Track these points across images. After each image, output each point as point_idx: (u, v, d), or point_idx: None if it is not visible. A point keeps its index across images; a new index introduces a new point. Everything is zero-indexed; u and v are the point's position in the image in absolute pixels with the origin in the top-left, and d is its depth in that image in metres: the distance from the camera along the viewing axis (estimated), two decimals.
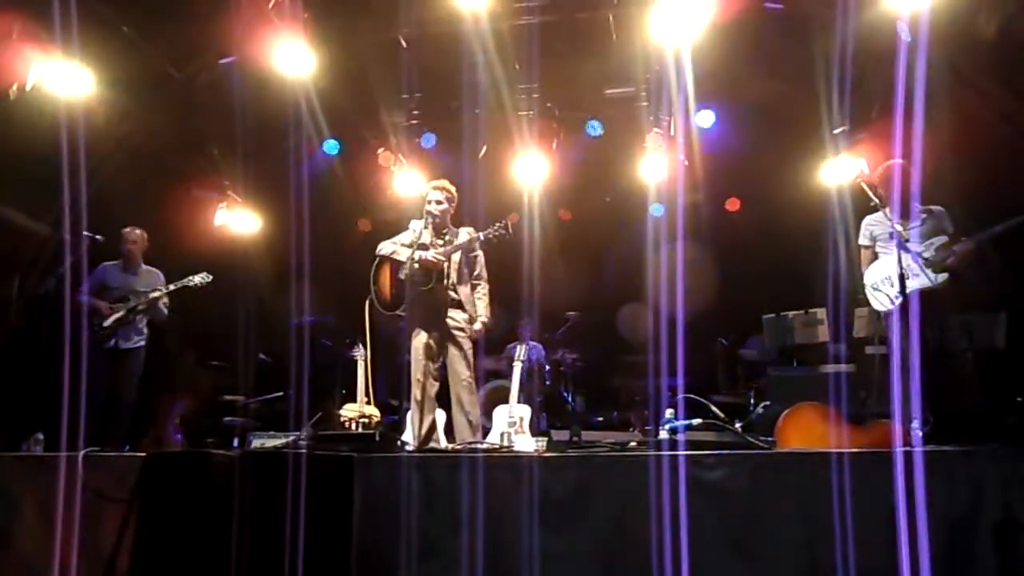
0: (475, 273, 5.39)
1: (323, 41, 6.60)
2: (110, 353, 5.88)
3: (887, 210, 5.05)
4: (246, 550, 3.23)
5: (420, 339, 5.17)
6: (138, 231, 6.29)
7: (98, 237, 6.09)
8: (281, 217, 8.17)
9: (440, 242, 5.28)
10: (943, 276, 4.82)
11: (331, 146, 7.98)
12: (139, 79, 6.84)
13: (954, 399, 5.48)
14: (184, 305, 7.32)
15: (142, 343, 6.16)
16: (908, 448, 3.50)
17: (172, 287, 6.20)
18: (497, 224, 5.22)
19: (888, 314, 5.08)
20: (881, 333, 5.33)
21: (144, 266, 6.32)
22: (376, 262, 5.38)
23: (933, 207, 4.95)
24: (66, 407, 4.43)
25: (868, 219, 5.23)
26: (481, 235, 5.20)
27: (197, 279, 6.23)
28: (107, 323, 5.92)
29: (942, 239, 4.89)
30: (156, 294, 6.09)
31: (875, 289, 5.14)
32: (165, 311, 6.25)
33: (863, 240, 5.25)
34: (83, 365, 4.95)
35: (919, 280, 4.87)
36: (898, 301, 4.95)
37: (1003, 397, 5.77)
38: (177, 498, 3.44)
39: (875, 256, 5.18)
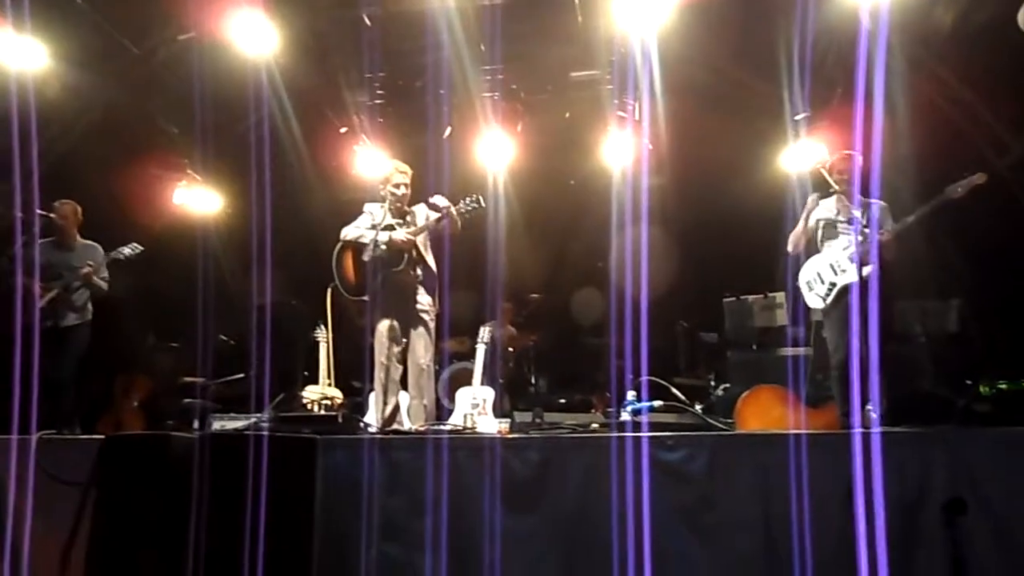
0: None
1: (284, 17, 6.48)
2: (48, 333, 5.61)
3: (840, 197, 5.12)
4: (206, 533, 3.20)
5: (384, 322, 5.14)
6: (68, 205, 6.05)
7: (52, 215, 5.95)
8: (242, 196, 8.05)
9: (402, 222, 5.25)
10: (866, 269, 4.86)
11: None
12: (95, 54, 6.66)
13: (908, 382, 5.63)
14: (143, 284, 7.21)
15: (81, 321, 5.95)
16: (864, 429, 3.59)
17: (101, 260, 5.99)
18: (468, 198, 5.10)
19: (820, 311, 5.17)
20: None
21: (81, 241, 6.09)
22: (339, 247, 5.33)
23: (874, 202, 5.00)
24: (17, 389, 4.34)
25: (818, 201, 5.26)
26: (452, 210, 5.11)
27: (127, 250, 6.02)
28: (40, 303, 5.72)
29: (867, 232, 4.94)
30: (86, 269, 5.86)
31: (809, 288, 5.21)
32: (104, 285, 6.02)
33: (809, 219, 5.25)
34: (17, 347, 4.82)
35: (847, 276, 4.95)
36: (828, 302, 5.04)
37: (955, 380, 5.93)
38: (136, 482, 3.39)
39: (812, 240, 5.22)
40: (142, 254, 6.11)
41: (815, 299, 5.16)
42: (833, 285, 5.01)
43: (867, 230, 4.88)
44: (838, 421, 4.83)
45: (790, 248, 5.32)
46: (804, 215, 5.24)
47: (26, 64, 5.90)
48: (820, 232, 5.17)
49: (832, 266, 5.03)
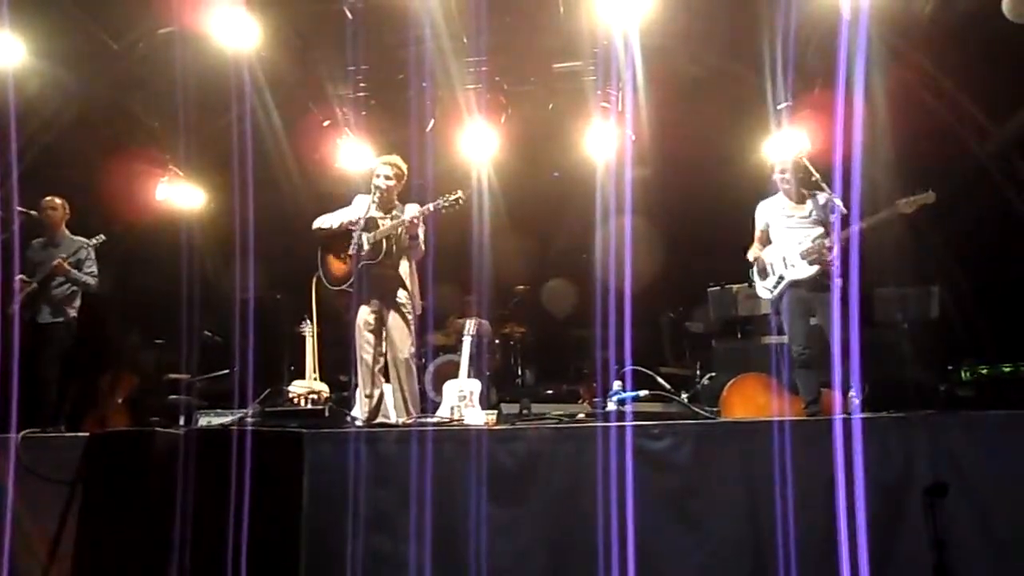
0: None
1: (265, 11, 6.44)
2: (27, 330, 5.52)
3: (789, 193, 5.15)
4: (193, 529, 3.20)
5: (366, 315, 5.13)
6: (53, 200, 5.98)
7: (32, 212, 5.90)
8: (225, 191, 8.00)
9: (387, 217, 5.23)
10: (815, 268, 4.89)
11: None
12: (75, 49, 6.59)
13: (889, 369, 5.68)
14: (127, 281, 7.17)
15: (59, 319, 5.85)
16: (846, 416, 3.63)
17: (82, 253, 5.94)
18: (448, 195, 5.08)
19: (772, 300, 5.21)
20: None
21: (69, 236, 6.02)
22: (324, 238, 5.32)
23: (822, 195, 5.03)
24: None
25: (762, 204, 5.31)
26: (431, 206, 5.10)
27: (93, 241, 5.99)
28: (19, 298, 5.64)
29: (819, 231, 4.97)
30: (56, 261, 5.77)
31: (761, 278, 5.24)
32: (88, 279, 5.94)
33: (759, 224, 5.30)
34: None
35: (795, 271, 4.98)
36: (775, 292, 5.08)
37: (936, 366, 5.98)
38: (122, 479, 3.38)
39: (770, 240, 5.24)
40: (104, 244, 6.07)
41: (763, 290, 5.21)
42: (781, 279, 5.04)
43: (828, 222, 4.94)
44: (822, 408, 4.86)
45: (751, 258, 5.34)
46: (756, 233, 5.30)
47: (5, 61, 5.83)
48: (771, 231, 5.20)
49: (784, 259, 5.05)
